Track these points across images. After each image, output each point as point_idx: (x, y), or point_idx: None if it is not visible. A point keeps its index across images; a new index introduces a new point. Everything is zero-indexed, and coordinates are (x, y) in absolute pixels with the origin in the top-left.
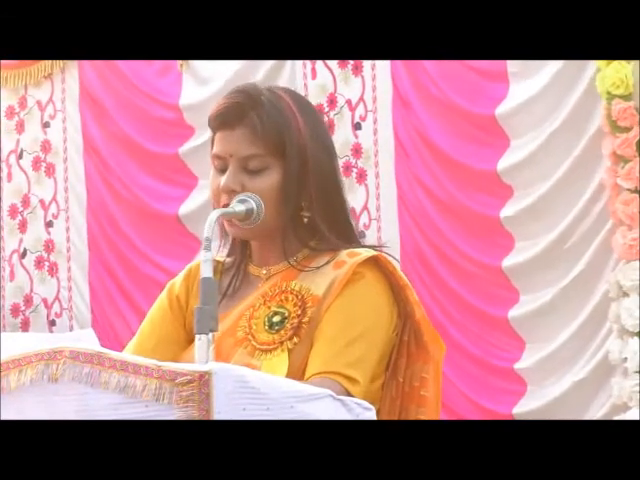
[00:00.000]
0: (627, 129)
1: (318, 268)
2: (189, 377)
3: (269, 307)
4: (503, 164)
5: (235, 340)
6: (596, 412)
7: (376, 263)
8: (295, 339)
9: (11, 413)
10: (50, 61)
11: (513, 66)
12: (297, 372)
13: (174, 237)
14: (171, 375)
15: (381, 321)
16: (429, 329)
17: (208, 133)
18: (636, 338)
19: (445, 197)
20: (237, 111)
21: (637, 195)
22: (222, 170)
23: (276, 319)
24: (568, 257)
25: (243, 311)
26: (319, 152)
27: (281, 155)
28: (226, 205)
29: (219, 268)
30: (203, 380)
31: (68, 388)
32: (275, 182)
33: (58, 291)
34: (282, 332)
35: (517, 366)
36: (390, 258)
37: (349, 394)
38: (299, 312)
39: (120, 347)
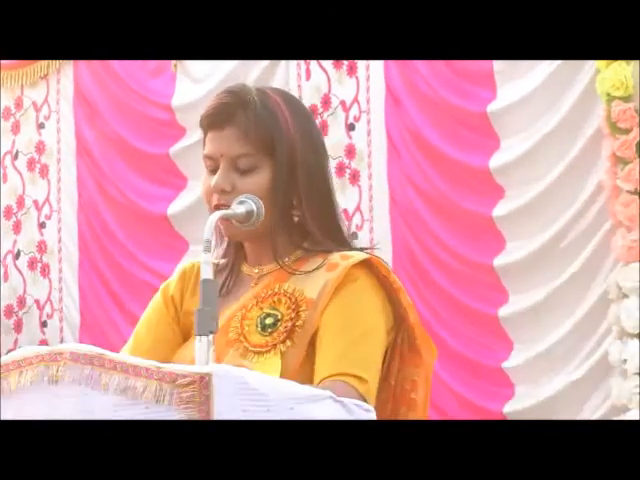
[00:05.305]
0: (627, 130)
1: (311, 271)
2: (189, 379)
3: (261, 308)
4: (494, 164)
5: (227, 340)
6: (591, 414)
7: (369, 266)
8: (288, 342)
9: (11, 414)
10: (47, 61)
11: (506, 65)
12: (290, 376)
13: (162, 237)
14: (171, 377)
15: (379, 322)
16: (422, 333)
17: (199, 134)
18: (636, 340)
19: (436, 196)
20: (226, 111)
21: (637, 197)
22: (213, 170)
23: (269, 321)
24: (561, 258)
25: (235, 312)
26: (308, 152)
27: (271, 154)
28: (218, 205)
29: (213, 269)
30: (203, 382)
31: (68, 390)
32: (265, 181)
33: (50, 292)
34: (275, 335)
35: (505, 365)
36: (382, 261)
37: (359, 393)
38: (292, 315)
39: (109, 348)
